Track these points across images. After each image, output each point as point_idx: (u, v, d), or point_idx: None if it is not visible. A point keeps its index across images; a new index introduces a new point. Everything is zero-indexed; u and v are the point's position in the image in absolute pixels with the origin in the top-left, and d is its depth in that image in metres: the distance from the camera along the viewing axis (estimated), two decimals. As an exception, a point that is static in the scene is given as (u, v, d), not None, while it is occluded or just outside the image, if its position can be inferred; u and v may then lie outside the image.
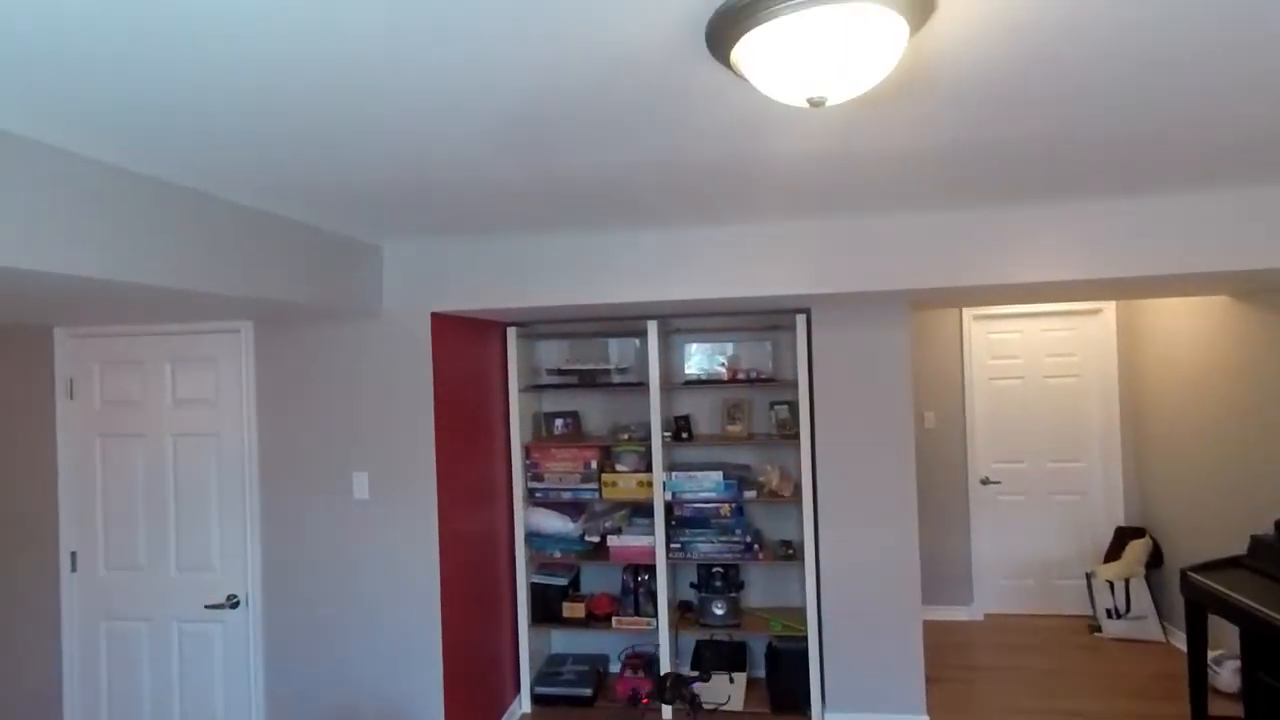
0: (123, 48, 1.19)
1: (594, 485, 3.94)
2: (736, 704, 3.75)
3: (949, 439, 5.16)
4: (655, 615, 3.85)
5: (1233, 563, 3.27)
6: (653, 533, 3.85)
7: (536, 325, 4.23)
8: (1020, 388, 5.18)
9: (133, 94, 1.39)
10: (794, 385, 3.84)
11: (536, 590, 4.02)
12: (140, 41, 1.17)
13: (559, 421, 4.20)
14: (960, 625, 5.02)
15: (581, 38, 1.22)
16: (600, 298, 2.98)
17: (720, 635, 3.89)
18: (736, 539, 3.77)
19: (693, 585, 3.90)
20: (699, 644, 4.00)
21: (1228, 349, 3.97)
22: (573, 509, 4.01)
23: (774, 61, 1.17)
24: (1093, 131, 1.81)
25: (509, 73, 1.35)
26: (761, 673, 4.04)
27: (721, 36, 1.17)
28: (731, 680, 3.76)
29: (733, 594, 3.81)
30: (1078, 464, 5.11)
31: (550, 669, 4.10)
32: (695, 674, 3.15)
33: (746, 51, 1.18)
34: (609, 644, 4.32)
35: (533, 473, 3.99)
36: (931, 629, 4.94)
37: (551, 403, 4.38)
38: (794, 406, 3.89)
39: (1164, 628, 4.62)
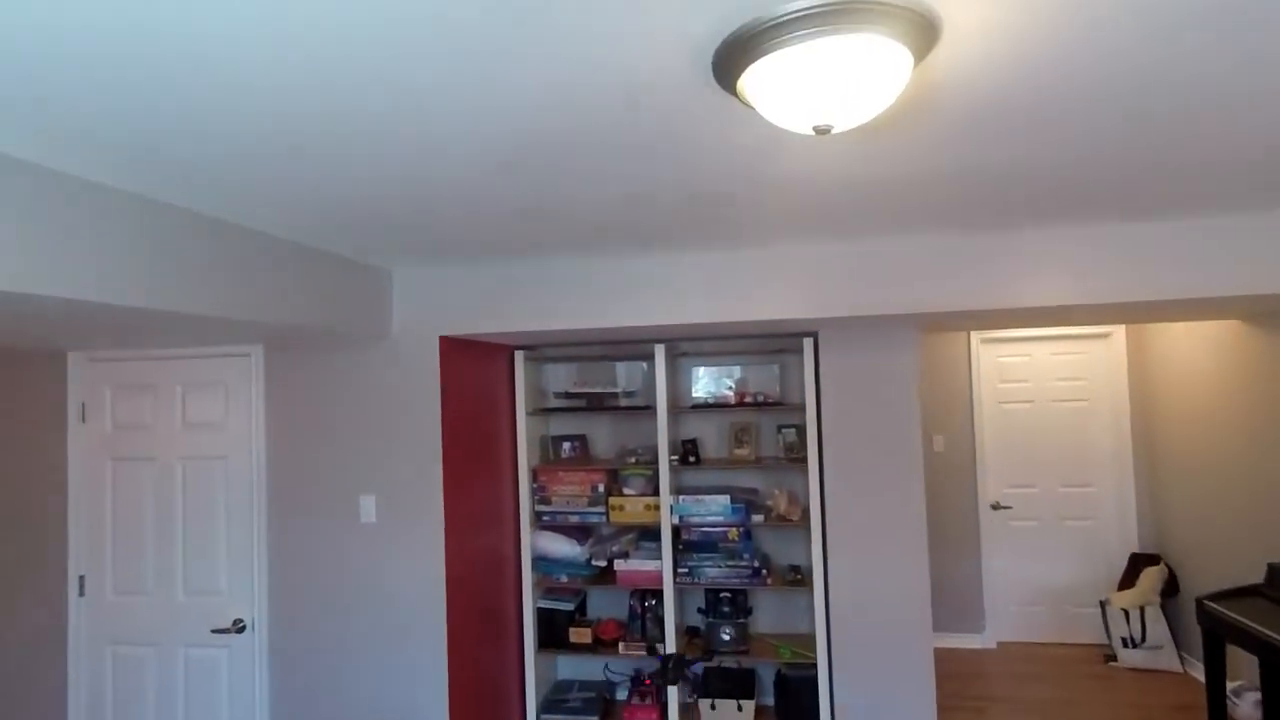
0: (138, 81, 1.22)
1: (601, 509, 3.92)
2: (745, 733, 3.69)
3: (959, 463, 5.13)
4: (663, 640, 3.81)
5: (1250, 591, 3.22)
6: (660, 557, 3.82)
7: (544, 349, 4.24)
8: (1029, 411, 5.15)
9: (153, 132, 1.42)
10: (802, 409, 3.83)
11: (543, 615, 3.99)
12: (157, 79, 1.20)
13: (566, 444, 4.20)
14: (973, 654, 4.95)
15: (590, 67, 1.24)
16: (608, 321, 2.99)
17: (728, 662, 3.84)
18: (744, 563, 3.73)
19: (700, 610, 3.86)
20: (707, 670, 3.95)
21: (1240, 373, 3.94)
22: (580, 533, 3.98)
23: (780, 91, 1.18)
24: (1098, 155, 1.82)
25: (517, 101, 1.37)
26: (770, 700, 3.98)
27: (728, 67, 1.19)
28: (740, 708, 3.70)
29: (741, 619, 3.77)
30: (1089, 489, 5.06)
31: (556, 695, 4.05)
32: (697, 656, 3.05)
33: (753, 81, 1.19)
34: (616, 669, 4.27)
35: (540, 496, 3.98)
36: (944, 657, 4.87)
37: (559, 426, 4.37)
38: (802, 430, 3.87)
39: (1181, 657, 4.53)
